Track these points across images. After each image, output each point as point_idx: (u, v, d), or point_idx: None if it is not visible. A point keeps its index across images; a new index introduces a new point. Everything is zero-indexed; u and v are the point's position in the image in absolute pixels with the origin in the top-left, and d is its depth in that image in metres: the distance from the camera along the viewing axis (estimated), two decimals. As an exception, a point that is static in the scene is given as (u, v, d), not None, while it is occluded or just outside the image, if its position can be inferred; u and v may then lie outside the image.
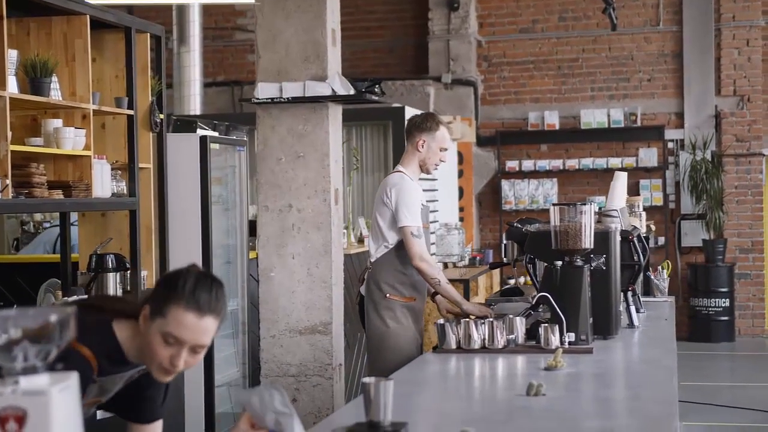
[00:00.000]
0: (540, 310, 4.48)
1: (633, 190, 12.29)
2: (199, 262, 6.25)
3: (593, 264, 4.48)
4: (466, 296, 9.51)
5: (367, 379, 2.74)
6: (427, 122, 5.32)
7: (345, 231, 7.87)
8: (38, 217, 8.72)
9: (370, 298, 5.24)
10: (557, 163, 12.83)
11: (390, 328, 5.16)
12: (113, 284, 5.59)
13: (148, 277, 5.94)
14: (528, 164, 12.91)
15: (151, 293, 2.62)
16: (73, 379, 1.83)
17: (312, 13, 5.78)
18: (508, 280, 11.78)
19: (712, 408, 8.60)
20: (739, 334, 12.46)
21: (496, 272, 11.45)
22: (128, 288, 5.71)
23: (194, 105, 10.12)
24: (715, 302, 12.19)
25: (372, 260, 5.28)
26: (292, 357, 5.65)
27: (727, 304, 12.21)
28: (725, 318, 12.23)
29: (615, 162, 12.60)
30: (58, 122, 5.13)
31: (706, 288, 12.22)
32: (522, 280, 11.56)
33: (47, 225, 8.48)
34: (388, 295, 5.19)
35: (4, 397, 1.75)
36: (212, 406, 6.28)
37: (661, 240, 12.58)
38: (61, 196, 5.05)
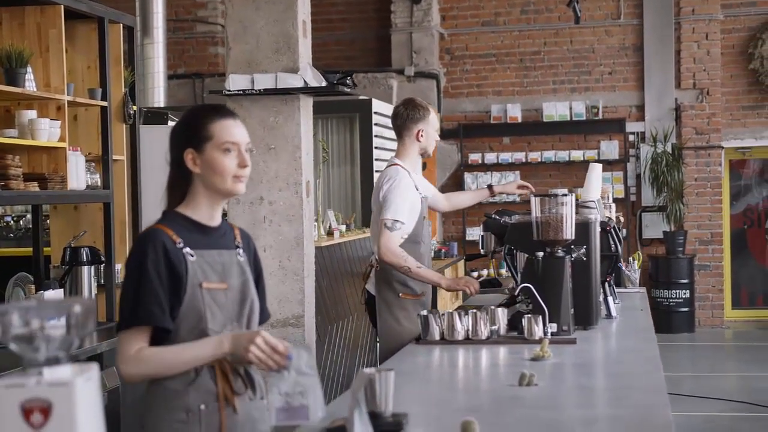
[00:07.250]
0: (520, 300, 4.49)
1: (595, 183, 12.36)
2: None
3: (574, 255, 4.51)
4: (433, 288, 9.50)
5: (368, 370, 2.74)
6: (419, 111, 5.27)
7: (315, 224, 7.85)
8: (20, 209, 8.56)
9: (382, 298, 5.18)
10: (520, 156, 12.88)
11: (404, 326, 5.10)
12: (87, 277, 5.53)
13: (122, 270, 5.88)
14: (491, 157, 12.95)
15: (182, 141, 2.84)
16: (94, 370, 1.82)
17: (283, 5, 5.75)
18: (470, 273, 11.83)
19: (673, 398, 8.66)
20: (699, 324, 12.61)
21: (461, 264, 11.50)
22: (102, 281, 5.65)
23: (158, 97, 10.00)
24: (676, 293, 12.31)
25: (378, 258, 5.19)
26: (264, 349, 5.61)
27: (688, 295, 12.35)
28: (685, 309, 12.36)
29: (577, 155, 12.68)
30: (32, 113, 5.06)
31: (666, 279, 12.33)
32: (486, 272, 11.61)
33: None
34: (401, 294, 5.14)
35: (28, 389, 1.73)
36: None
37: (623, 232, 12.67)
38: (37, 189, 4.99)
